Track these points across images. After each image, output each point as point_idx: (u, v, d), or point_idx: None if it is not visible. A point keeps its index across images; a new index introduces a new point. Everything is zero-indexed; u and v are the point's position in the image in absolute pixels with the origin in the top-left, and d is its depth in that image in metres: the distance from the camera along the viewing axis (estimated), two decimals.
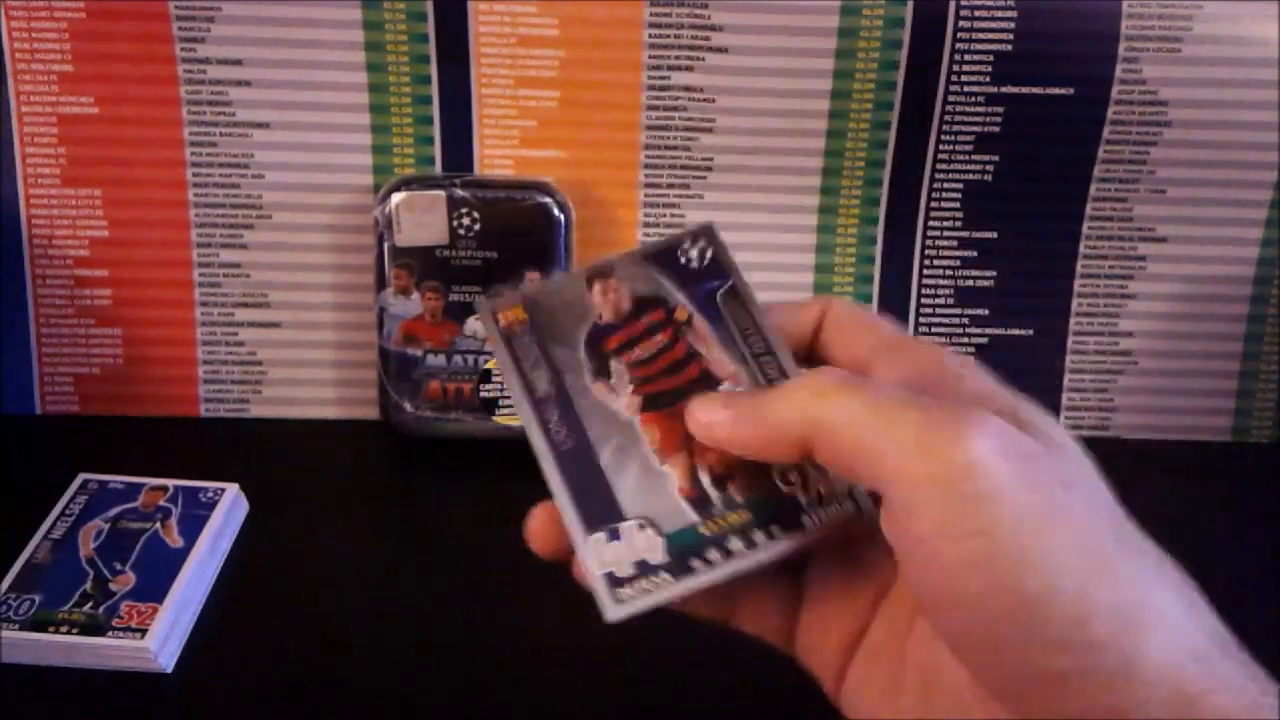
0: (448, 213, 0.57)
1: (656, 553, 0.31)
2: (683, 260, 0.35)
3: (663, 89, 0.59)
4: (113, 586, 0.48)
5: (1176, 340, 0.63)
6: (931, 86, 0.58)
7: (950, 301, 0.62)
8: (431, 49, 0.58)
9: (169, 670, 0.47)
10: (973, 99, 0.58)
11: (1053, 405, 0.62)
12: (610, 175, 0.60)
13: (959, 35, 0.57)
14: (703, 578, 0.31)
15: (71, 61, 0.57)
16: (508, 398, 0.58)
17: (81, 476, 0.54)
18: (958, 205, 0.61)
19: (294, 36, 0.57)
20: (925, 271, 0.62)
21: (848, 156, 0.60)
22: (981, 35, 0.57)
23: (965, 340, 0.62)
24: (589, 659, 0.48)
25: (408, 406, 0.59)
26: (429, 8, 0.57)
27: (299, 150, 0.59)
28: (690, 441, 0.32)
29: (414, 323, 0.58)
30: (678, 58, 0.58)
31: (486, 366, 0.58)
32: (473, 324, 0.58)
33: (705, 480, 0.32)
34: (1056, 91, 0.58)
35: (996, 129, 0.59)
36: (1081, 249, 0.61)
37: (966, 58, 0.58)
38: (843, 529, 0.31)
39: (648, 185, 0.60)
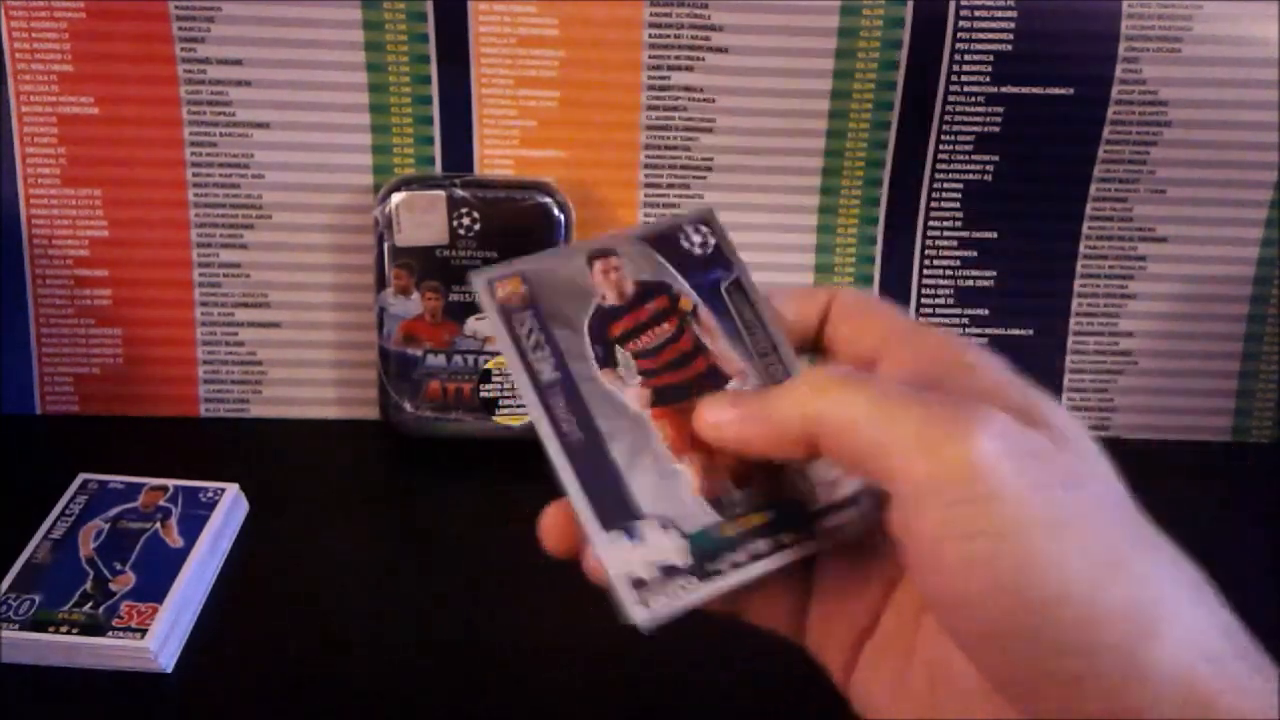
0: (448, 213, 0.57)
1: (681, 555, 0.30)
2: (684, 245, 0.34)
3: (663, 89, 0.59)
4: (113, 586, 0.48)
5: (1176, 340, 0.63)
6: (931, 86, 0.58)
7: (950, 301, 0.62)
8: (431, 49, 0.58)
9: (169, 670, 0.47)
10: (973, 99, 0.58)
11: None
12: (610, 175, 0.60)
13: (959, 35, 0.57)
14: (729, 580, 0.30)
15: (71, 61, 0.57)
16: (508, 397, 0.58)
17: (81, 476, 0.54)
18: (958, 205, 0.61)
19: (294, 36, 0.57)
20: (925, 271, 0.62)
21: (848, 156, 0.60)
22: (981, 35, 0.57)
23: None
24: (589, 659, 0.48)
25: (408, 406, 0.59)
26: (429, 8, 0.57)
27: (299, 150, 0.59)
28: (702, 441, 0.31)
29: (414, 323, 0.58)
30: (678, 58, 0.58)
31: (486, 366, 0.58)
32: (473, 324, 0.58)
33: (723, 480, 0.31)
34: (1056, 91, 0.58)
35: (996, 129, 0.59)
36: (1081, 249, 0.61)
37: (966, 58, 0.58)
38: (861, 527, 0.31)
39: (648, 185, 0.60)
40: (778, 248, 0.61)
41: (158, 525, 0.52)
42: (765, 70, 0.58)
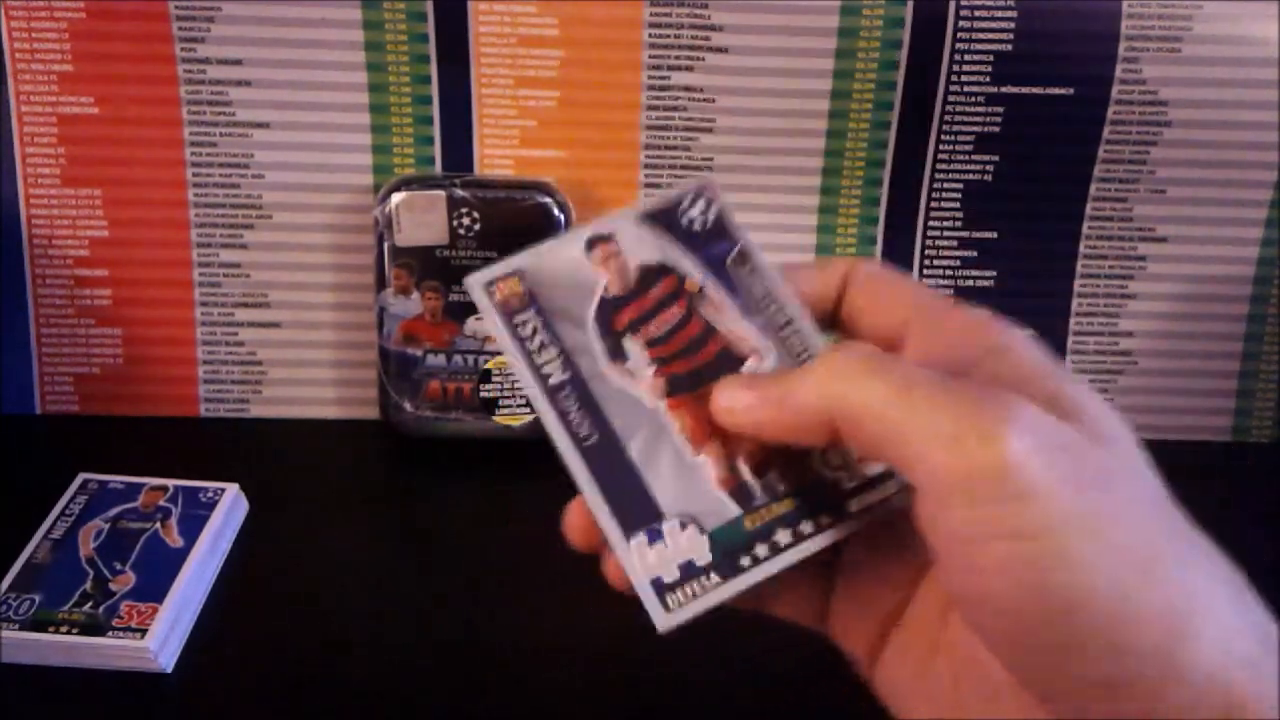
0: (448, 213, 0.57)
1: (702, 553, 0.29)
2: (684, 221, 0.33)
3: (663, 89, 0.59)
4: (113, 586, 0.48)
5: (1176, 340, 0.63)
6: (931, 86, 0.58)
7: None
8: (431, 49, 0.58)
9: (169, 670, 0.47)
10: (973, 99, 0.58)
11: None
12: (610, 175, 0.60)
13: (959, 35, 0.57)
14: (753, 575, 0.29)
15: (71, 61, 0.57)
16: (508, 397, 0.58)
17: (81, 476, 0.54)
18: (958, 205, 0.61)
19: (294, 36, 0.57)
20: (925, 272, 0.62)
21: (848, 156, 0.60)
22: (981, 35, 0.57)
23: None
24: (589, 659, 0.48)
25: (408, 406, 0.59)
26: (429, 8, 0.57)
27: (299, 150, 0.59)
28: (722, 427, 0.30)
29: (414, 322, 0.58)
30: (678, 58, 0.58)
31: (486, 366, 0.58)
32: (473, 324, 0.58)
33: (743, 469, 0.30)
34: (1056, 91, 0.58)
35: (996, 129, 0.59)
36: (1081, 249, 0.61)
37: (966, 58, 0.58)
38: (889, 510, 0.30)
39: (648, 185, 0.60)
40: (778, 248, 0.61)
41: (158, 525, 0.52)
42: (765, 70, 0.58)
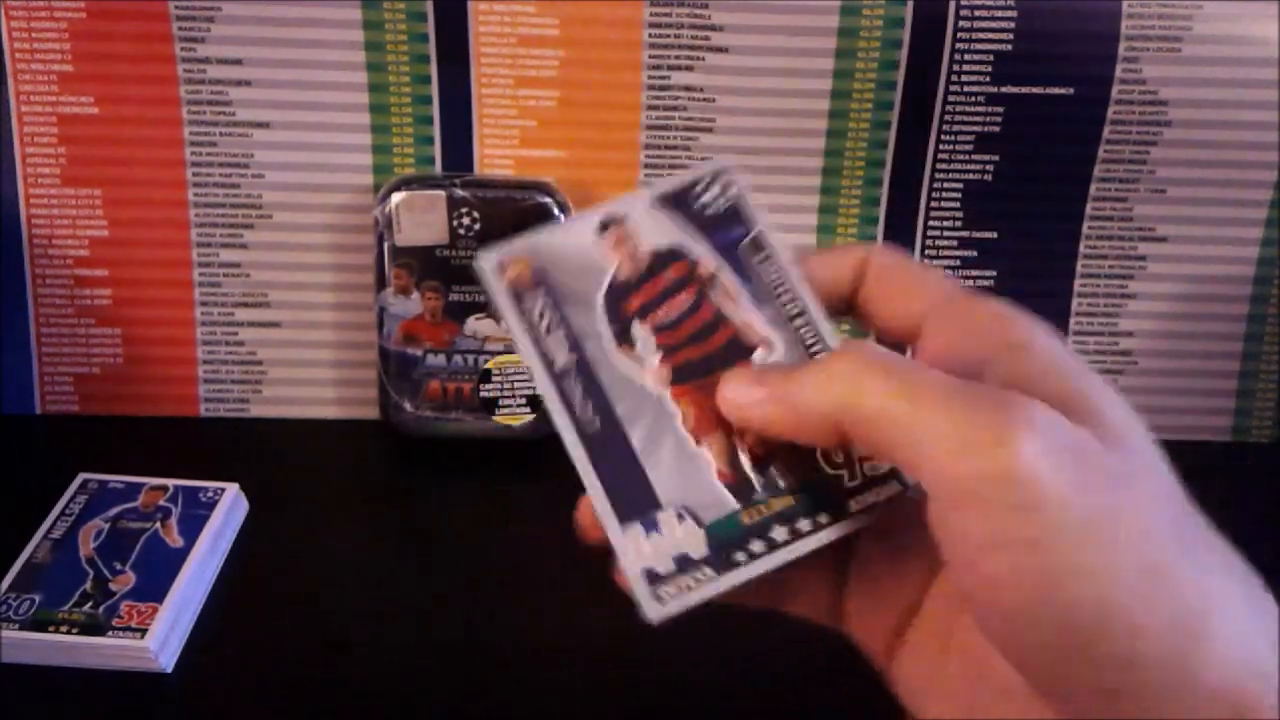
0: (448, 213, 0.57)
1: (697, 546, 0.29)
2: (698, 205, 0.32)
3: (663, 89, 0.59)
4: (113, 586, 0.48)
5: (1176, 340, 0.63)
6: (931, 86, 0.58)
7: None
8: (431, 49, 0.58)
9: (169, 670, 0.47)
10: (973, 99, 0.58)
11: None
12: (610, 175, 0.60)
13: (959, 35, 0.57)
14: (747, 571, 0.29)
15: (71, 61, 0.57)
16: (508, 397, 0.58)
17: (81, 476, 0.54)
18: (958, 205, 0.61)
19: (294, 36, 0.57)
20: None
21: (848, 156, 0.60)
22: (981, 35, 0.57)
23: None
24: (589, 659, 0.48)
25: (408, 406, 0.59)
26: (429, 8, 0.57)
27: (299, 150, 0.59)
28: (724, 417, 0.30)
29: (414, 322, 0.58)
30: (678, 58, 0.58)
31: (486, 366, 0.58)
32: (473, 324, 0.58)
33: (745, 463, 0.30)
34: (1056, 91, 0.58)
35: (996, 129, 0.59)
36: (1081, 249, 0.61)
37: (966, 58, 0.58)
38: (890, 510, 0.30)
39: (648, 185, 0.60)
40: None
41: (158, 525, 0.52)
42: (765, 70, 0.58)
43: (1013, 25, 0.57)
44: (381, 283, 0.58)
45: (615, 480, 0.29)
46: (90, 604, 0.48)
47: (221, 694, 0.46)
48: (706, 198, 0.32)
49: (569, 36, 0.58)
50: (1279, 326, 0.62)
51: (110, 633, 0.46)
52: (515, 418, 0.59)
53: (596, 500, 0.29)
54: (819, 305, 0.31)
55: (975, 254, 0.61)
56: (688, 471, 0.30)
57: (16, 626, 0.46)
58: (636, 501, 0.29)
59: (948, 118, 0.59)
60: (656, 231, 0.32)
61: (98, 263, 0.60)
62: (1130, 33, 0.58)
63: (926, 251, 0.61)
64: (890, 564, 0.31)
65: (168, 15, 0.57)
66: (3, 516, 0.53)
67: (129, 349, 0.61)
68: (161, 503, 0.53)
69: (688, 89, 0.59)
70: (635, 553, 0.29)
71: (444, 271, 0.57)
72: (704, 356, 0.31)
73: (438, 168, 0.60)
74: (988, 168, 0.60)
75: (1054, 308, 0.62)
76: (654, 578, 0.29)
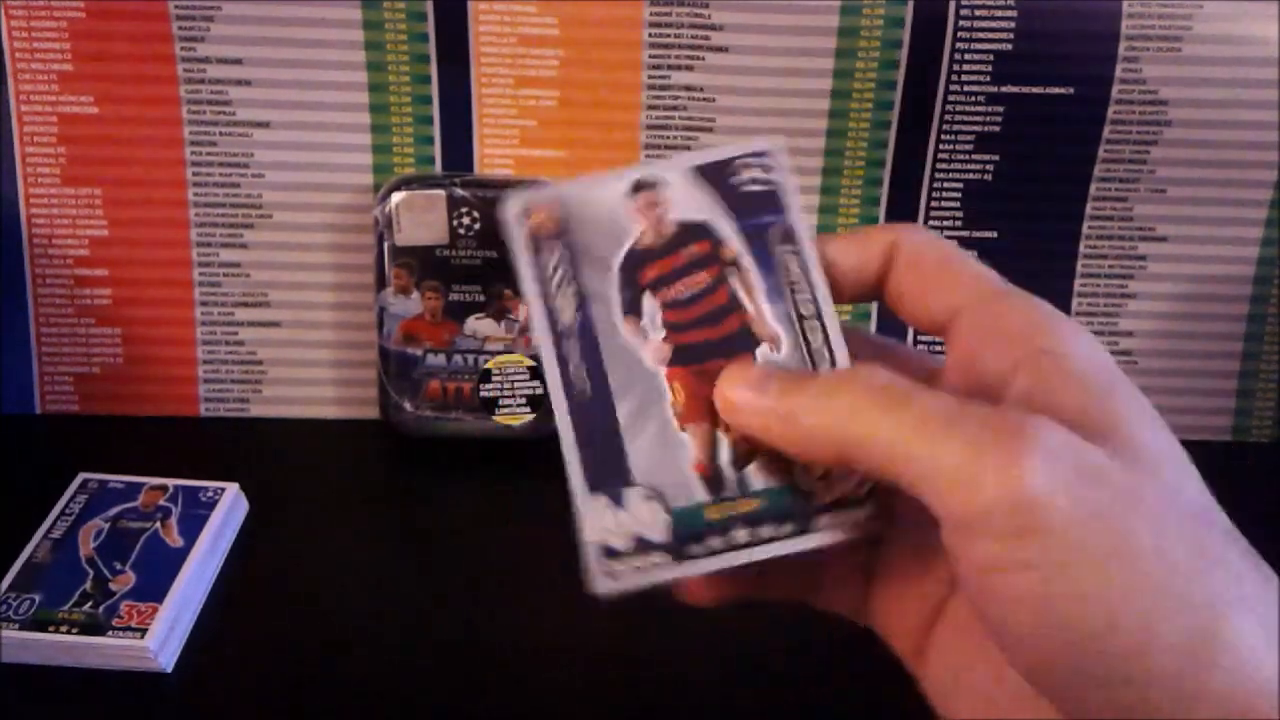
0: (448, 212, 0.57)
1: (659, 530, 0.29)
2: (738, 180, 0.31)
3: (663, 89, 0.59)
4: (113, 586, 0.48)
5: (1176, 340, 0.63)
6: (931, 86, 0.58)
7: None
8: (431, 49, 0.58)
9: (169, 670, 0.47)
10: (973, 99, 0.58)
11: None
12: None
13: (959, 35, 0.57)
14: (701, 565, 0.29)
15: (71, 61, 0.57)
16: (508, 397, 0.58)
17: (81, 476, 0.54)
18: (958, 205, 0.61)
19: (294, 36, 0.57)
20: None
21: (848, 156, 0.60)
22: (981, 35, 0.57)
23: None
24: (589, 659, 0.48)
25: (408, 406, 0.59)
26: (429, 8, 0.57)
27: (299, 150, 0.59)
28: (714, 407, 0.29)
29: (414, 322, 0.58)
30: (678, 58, 0.58)
31: (486, 366, 0.58)
32: (473, 324, 0.58)
33: (724, 457, 0.30)
34: (1056, 91, 0.58)
35: (996, 129, 0.59)
36: (1081, 249, 0.61)
37: (966, 58, 0.58)
38: (866, 532, 0.29)
39: None
40: None
41: (158, 525, 0.52)
42: (765, 70, 0.58)
43: (1013, 25, 0.57)
44: (381, 283, 0.58)
45: (593, 448, 0.29)
46: (90, 604, 0.48)
47: (221, 694, 0.46)
48: (746, 175, 0.31)
49: (569, 36, 0.58)
50: (1279, 326, 0.62)
51: (110, 632, 0.46)
52: (515, 418, 0.59)
53: (570, 464, 0.29)
54: (834, 312, 0.30)
55: (975, 254, 0.61)
56: (666, 455, 0.29)
57: (16, 626, 0.46)
58: (609, 473, 0.29)
59: (948, 118, 0.59)
60: (688, 202, 0.31)
61: (98, 263, 0.60)
62: (1130, 33, 0.58)
63: None
64: (918, 562, 0.30)
65: (168, 15, 0.57)
66: (3, 516, 0.53)
67: (129, 349, 0.61)
68: (161, 503, 0.53)
69: (688, 89, 0.59)
70: (596, 523, 0.29)
71: (444, 271, 0.57)
72: (708, 341, 0.30)
73: (438, 168, 0.60)
74: (988, 168, 0.60)
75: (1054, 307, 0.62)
76: (610, 553, 0.29)
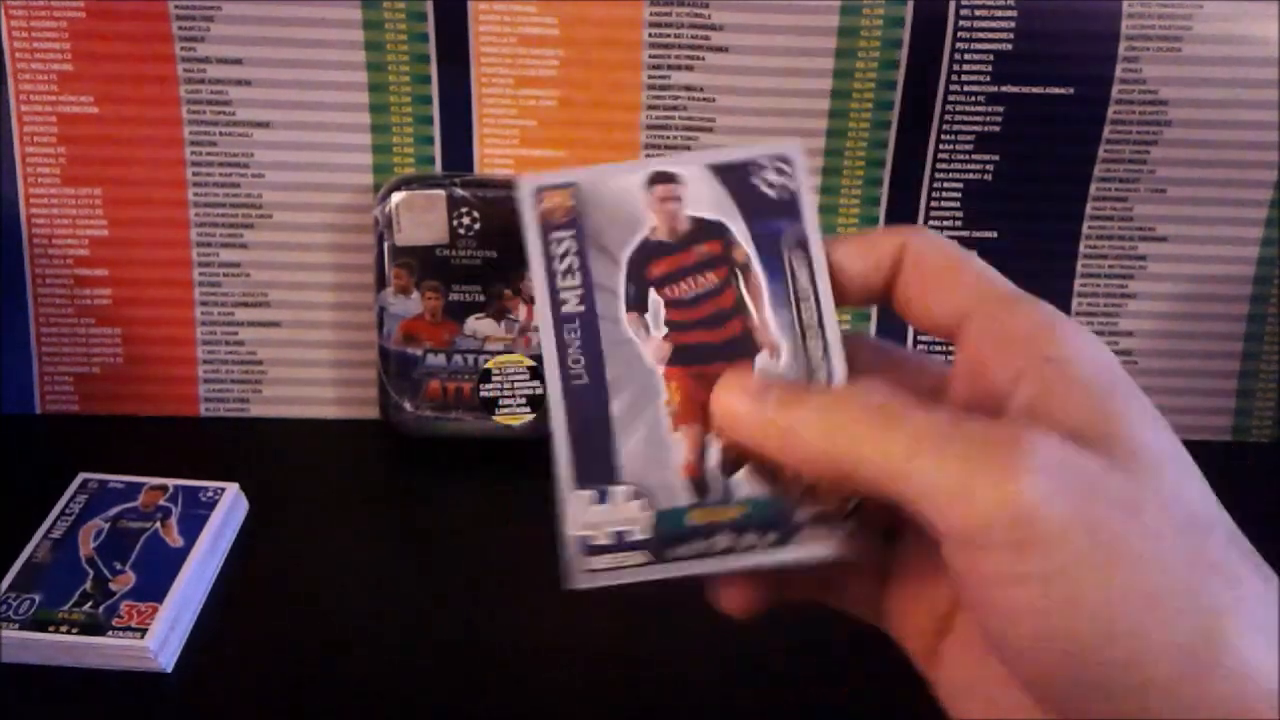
0: (448, 212, 0.57)
1: (641, 529, 0.29)
2: (756, 183, 0.30)
3: (663, 89, 0.59)
4: (113, 586, 0.48)
5: (1176, 340, 0.63)
6: (931, 86, 0.58)
7: None
8: (431, 49, 0.58)
9: (169, 670, 0.47)
10: (973, 99, 0.58)
11: None
12: None
13: (959, 35, 0.57)
14: (679, 568, 0.29)
15: (71, 61, 0.57)
16: (508, 397, 0.58)
17: (81, 476, 0.54)
18: (958, 205, 0.61)
19: (294, 36, 0.57)
20: None
21: (848, 156, 0.60)
22: (981, 35, 0.57)
23: None
24: (589, 659, 0.48)
25: (408, 406, 0.59)
26: (429, 8, 0.57)
27: (299, 150, 0.59)
28: (709, 411, 0.29)
29: (414, 322, 0.58)
30: (678, 58, 0.58)
31: (486, 366, 0.58)
32: (473, 324, 0.58)
33: (713, 461, 0.29)
34: (1056, 91, 0.58)
35: (996, 129, 0.59)
36: (1081, 249, 0.61)
37: (966, 58, 0.58)
38: (844, 552, 0.29)
39: None
40: None
41: (158, 525, 0.52)
42: (765, 70, 0.58)
43: (1013, 25, 0.57)
44: (381, 282, 0.58)
45: (584, 440, 0.29)
46: (90, 604, 0.48)
47: (221, 694, 0.46)
48: (764, 178, 0.31)
49: (569, 36, 0.58)
50: (1279, 326, 0.62)
51: (110, 632, 0.46)
52: (515, 418, 0.59)
53: (560, 455, 0.29)
54: (836, 325, 0.30)
55: (975, 254, 0.61)
56: (656, 454, 0.29)
57: (16, 626, 0.46)
58: (597, 468, 0.29)
59: (948, 118, 0.59)
60: (704, 200, 0.30)
61: (98, 263, 0.60)
62: (1130, 33, 0.58)
63: None
64: (931, 567, 0.30)
65: (168, 15, 0.57)
66: (3, 516, 0.53)
67: (129, 349, 0.61)
68: (161, 502, 0.53)
69: (688, 89, 0.59)
70: (579, 518, 0.29)
71: (444, 271, 0.57)
72: (709, 344, 0.30)
73: (438, 168, 0.60)
74: (988, 168, 0.60)
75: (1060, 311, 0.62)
76: (591, 548, 0.29)
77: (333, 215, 0.60)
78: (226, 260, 0.60)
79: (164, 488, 0.54)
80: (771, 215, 0.30)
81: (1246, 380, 0.63)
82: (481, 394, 0.59)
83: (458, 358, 0.58)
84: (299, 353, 0.62)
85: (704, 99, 0.59)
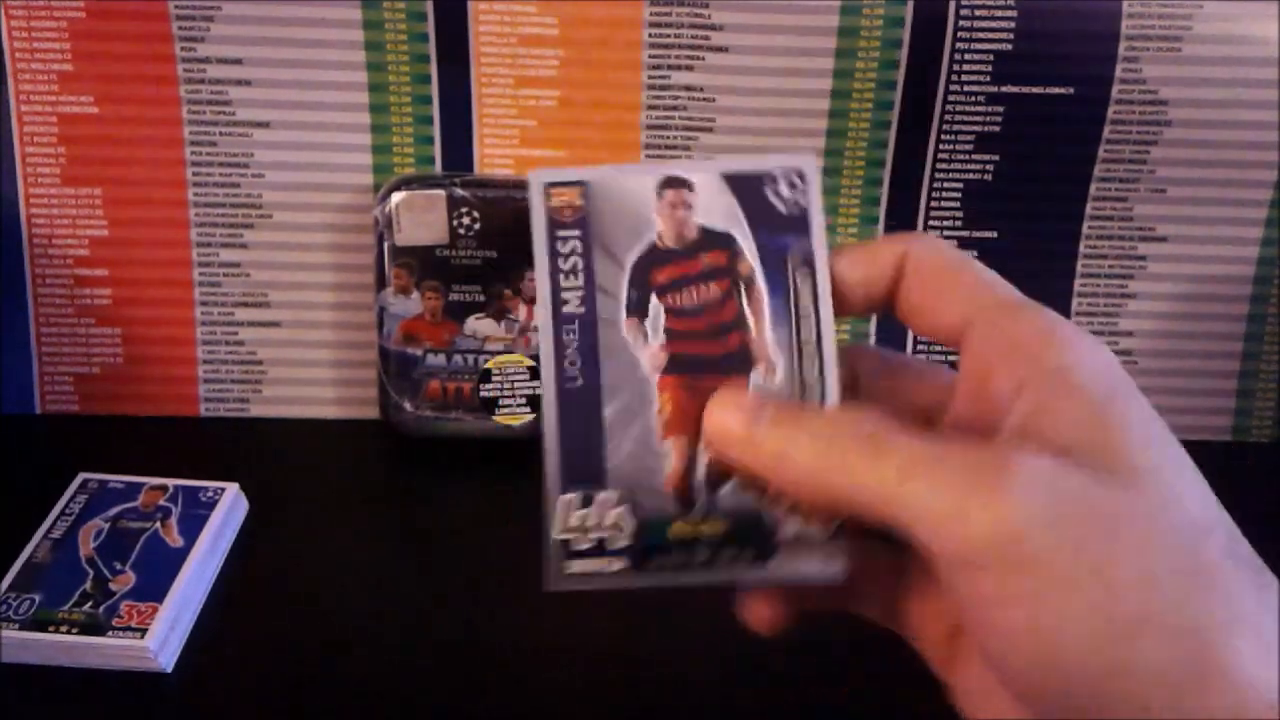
0: (448, 212, 0.57)
1: (622, 536, 0.29)
2: (768, 195, 0.30)
3: (663, 89, 0.59)
4: (113, 586, 0.48)
5: (1176, 340, 0.63)
6: (931, 86, 0.58)
7: None
8: (431, 49, 0.58)
9: (169, 670, 0.47)
10: (973, 99, 0.58)
11: None
12: None
13: (959, 35, 0.57)
14: (656, 578, 0.29)
15: (71, 61, 0.57)
16: (508, 397, 0.58)
17: (81, 476, 0.54)
18: (958, 205, 0.61)
19: (294, 36, 0.57)
20: None
21: (848, 156, 0.60)
22: (981, 35, 0.57)
23: None
24: (589, 659, 0.48)
25: (408, 406, 0.59)
26: (429, 8, 0.57)
27: (299, 150, 0.59)
28: (700, 424, 0.29)
29: (414, 322, 0.58)
30: (678, 58, 0.58)
31: (486, 366, 0.58)
32: (473, 324, 0.58)
33: (699, 476, 0.29)
34: (1056, 91, 0.58)
35: (996, 129, 0.59)
36: (1081, 249, 0.61)
37: (966, 58, 0.58)
38: (814, 578, 0.30)
39: None
40: None
41: (158, 525, 0.52)
42: (765, 70, 0.58)
43: (1013, 25, 0.57)
44: (381, 283, 0.58)
45: (573, 443, 0.29)
46: (90, 604, 0.48)
47: (221, 694, 0.46)
48: (776, 190, 0.30)
49: (569, 36, 0.58)
50: (1279, 326, 0.62)
51: (110, 633, 0.46)
52: (515, 418, 0.59)
53: (549, 456, 0.29)
54: (834, 348, 0.30)
55: (975, 254, 0.61)
56: (643, 463, 0.29)
57: (16, 626, 0.46)
58: (584, 472, 0.29)
59: (948, 118, 0.59)
60: (714, 209, 0.30)
61: (98, 263, 0.60)
62: (1130, 33, 0.58)
63: None
64: None
65: (168, 15, 0.57)
66: (3, 516, 0.53)
67: (129, 349, 0.61)
68: (161, 503, 0.53)
69: (688, 89, 0.59)
70: (563, 520, 0.29)
71: (444, 271, 0.57)
72: (706, 356, 0.30)
73: (438, 168, 0.60)
74: (988, 168, 0.60)
75: (1054, 308, 0.61)
76: (571, 551, 0.29)
77: (333, 215, 0.60)
78: (226, 260, 0.60)
79: (164, 488, 0.54)
80: (780, 230, 0.30)
81: (1246, 380, 0.63)
82: (481, 394, 0.59)
83: (458, 358, 0.58)
84: (299, 353, 0.62)
85: (704, 99, 0.59)
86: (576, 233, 0.30)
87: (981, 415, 0.28)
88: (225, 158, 0.59)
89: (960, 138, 0.59)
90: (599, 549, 0.29)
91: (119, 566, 0.49)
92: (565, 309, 0.30)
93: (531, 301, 0.57)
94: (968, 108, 0.59)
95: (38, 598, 0.48)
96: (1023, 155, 0.60)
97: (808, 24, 0.57)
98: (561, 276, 0.30)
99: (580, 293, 0.30)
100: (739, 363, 0.30)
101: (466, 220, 0.57)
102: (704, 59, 0.58)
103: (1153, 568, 0.24)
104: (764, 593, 0.31)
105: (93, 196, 0.59)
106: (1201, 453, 0.27)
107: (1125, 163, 0.60)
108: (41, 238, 0.60)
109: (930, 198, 0.61)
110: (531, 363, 0.58)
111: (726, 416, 0.29)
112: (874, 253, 0.30)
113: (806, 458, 0.27)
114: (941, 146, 0.59)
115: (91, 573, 0.49)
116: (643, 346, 0.30)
